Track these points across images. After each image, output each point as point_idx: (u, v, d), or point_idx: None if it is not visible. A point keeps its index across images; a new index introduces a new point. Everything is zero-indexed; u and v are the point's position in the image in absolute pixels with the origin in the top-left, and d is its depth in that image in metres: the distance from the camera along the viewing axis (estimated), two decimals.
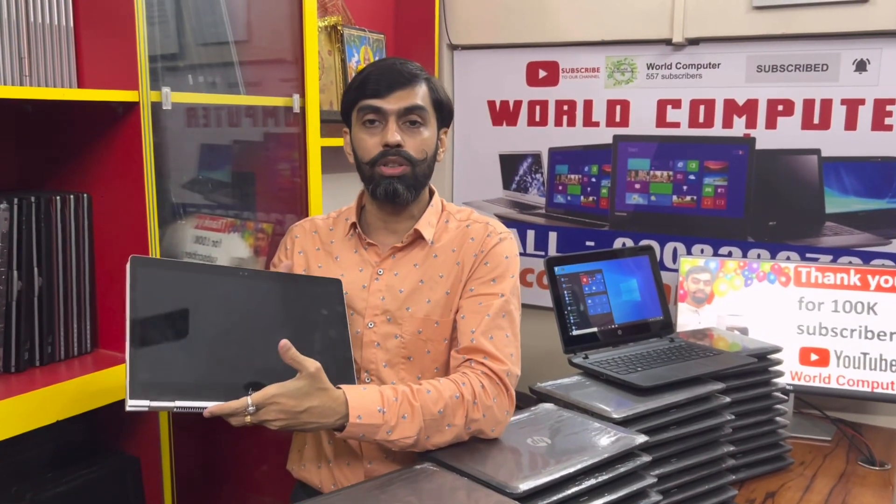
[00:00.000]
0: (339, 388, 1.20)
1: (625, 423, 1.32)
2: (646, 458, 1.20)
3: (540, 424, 1.28)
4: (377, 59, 1.45)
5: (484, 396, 1.24)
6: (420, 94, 1.37)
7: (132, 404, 1.04)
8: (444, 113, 1.42)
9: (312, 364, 1.15)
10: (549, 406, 1.37)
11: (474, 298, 1.37)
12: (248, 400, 1.11)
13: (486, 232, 1.41)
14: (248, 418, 1.12)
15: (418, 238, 1.42)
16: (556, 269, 1.67)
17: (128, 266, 1.14)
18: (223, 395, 1.11)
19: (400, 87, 1.35)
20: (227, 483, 1.92)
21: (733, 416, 1.50)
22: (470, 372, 1.28)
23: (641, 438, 1.22)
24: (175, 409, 1.08)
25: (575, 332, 1.65)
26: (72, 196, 1.50)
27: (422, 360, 1.38)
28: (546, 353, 1.87)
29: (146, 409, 1.05)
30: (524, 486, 1.04)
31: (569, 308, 1.66)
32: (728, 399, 1.50)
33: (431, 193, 1.47)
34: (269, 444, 1.78)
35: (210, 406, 1.09)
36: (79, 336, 1.54)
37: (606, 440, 1.20)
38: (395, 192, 1.35)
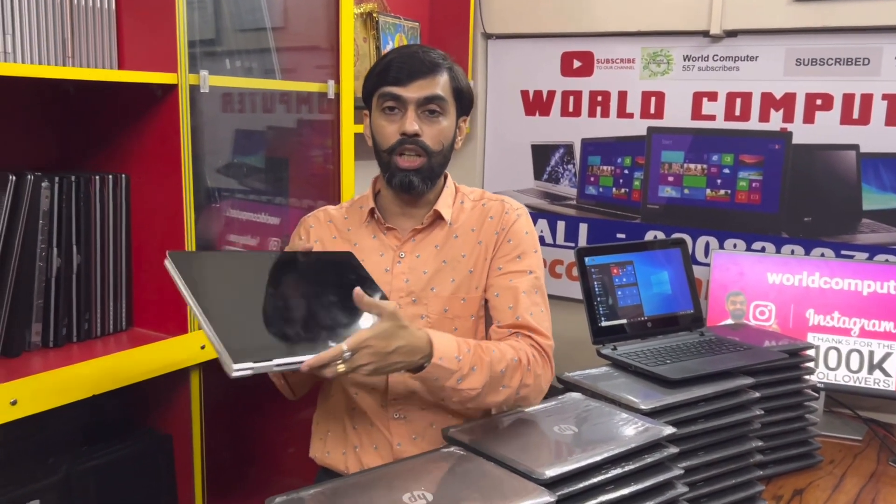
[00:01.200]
0: (422, 329, 1.22)
1: (652, 414, 1.31)
2: (673, 450, 1.20)
3: (567, 413, 1.27)
4: (404, 46, 1.45)
5: (535, 365, 1.33)
6: (441, 84, 1.37)
7: (238, 368, 1.01)
8: (464, 101, 1.43)
9: (391, 304, 1.17)
10: (576, 395, 1.37)
11: (504, 276, 1.41)
12: (344, 346, 1.09)
13: (504, 209, 1.45)
14: (342, 366, 1.10)
15: (437, 219, 1.44)
16: (586, 259, 1.66)
17: (167, 262, 1.16)
18: (311, 349, 1.09)
19: (421, 76, 1.35)
20: (255, 464, 1.95)
21: (762, 412, 1.48)
22: (522, 342, 1.35)
23: (669, 430, 1.21)
24: (275, 368, 1.07)
25: (604, 324, 1.65)
26: (110, 176, 1.53)
27: None
28: (574, 344, 1.87)
29: (250, 371, 1.03)
30: (550, 472, 1.04)
31: (598, 299, 1.66)
32: (757, 394, 1.48)
33: (445, 177, 1.48)
34: (297, 426, 1.81)
35: (306, 359, 1.07)
36: (115, 314, 1.57)
37: (634, 430, 1.20)
38: (410, 184, 1.37)
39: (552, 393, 1.42)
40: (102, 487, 1.50)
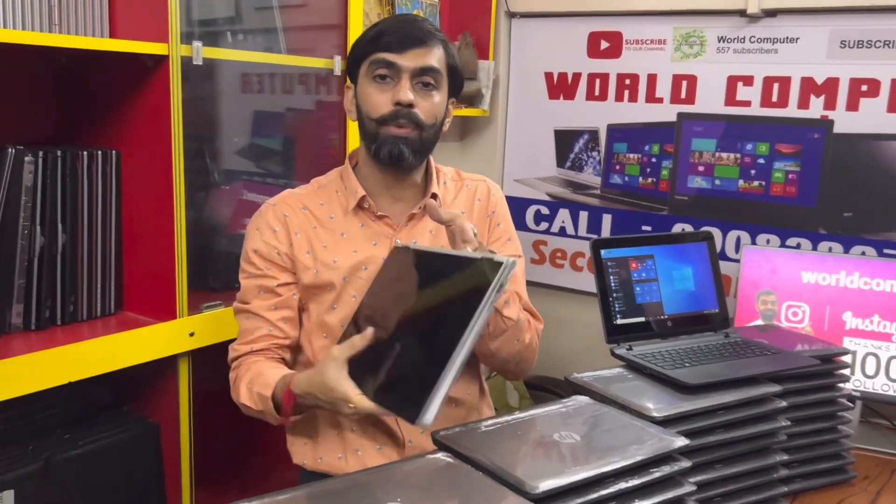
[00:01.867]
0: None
1: (666, 422, 1.20)
2: (685, 464, 1.09)
3: (571, 418, 1.17)
4: (398, 15, 1.37)
5: (536, 339, 1.40)
6: (436, 56, 1.29)
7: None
8: (456, 80, 1.34)
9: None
10: (583, 399, 1.26)
11: None
12: None
13: (489, 190, 1.45)
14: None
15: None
16: (602, 251, 1.54)
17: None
18: None
19: (417, 45, 1.26)
20: (245, 455, 1.88)
21: (789, 423, 1.36)
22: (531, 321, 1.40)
23: (681, 441, 1.10)
24: None
25: (619, 321, 1.53)
26: (99, 152, 1.46)
27: None
28: (591, 342, 1.76)
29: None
30: (543, 485, 0.94)
31: (614, 295, 1.54)
32: (784, 403, 1.36)
33: (428, 159, 1.40)
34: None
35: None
36: (103, 296, 1.50)
37: (642, 440, 1.09)
38: (399, 154, 1.27)
39: (558, 392, 1.32)
40: (85, 477, 1.44)
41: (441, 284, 1.16)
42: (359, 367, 1.14)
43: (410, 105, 1.25)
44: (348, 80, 1.36)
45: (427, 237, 1.35)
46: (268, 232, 1.33)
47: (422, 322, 1.13)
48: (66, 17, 1.37)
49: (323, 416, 1.35)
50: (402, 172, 1.32)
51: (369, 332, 1.14)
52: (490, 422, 1.17)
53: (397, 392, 1.09)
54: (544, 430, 1.13)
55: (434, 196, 1.35)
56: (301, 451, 1.36)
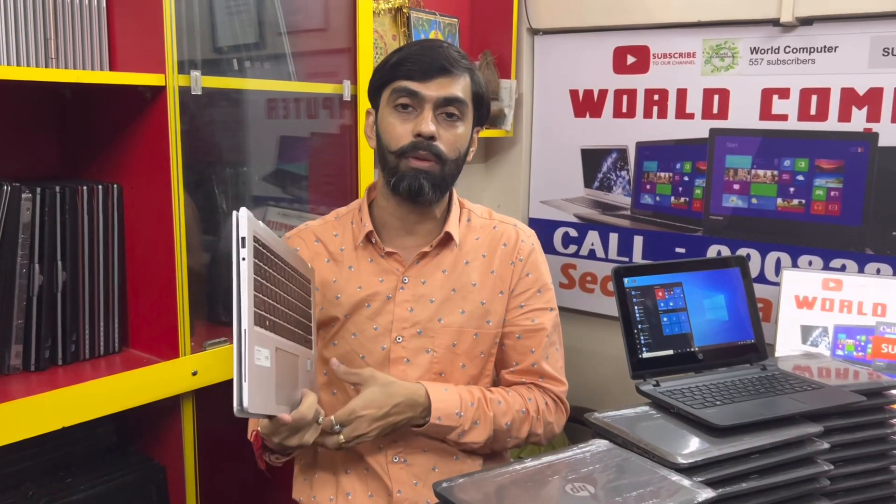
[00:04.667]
0: (420, 383, 1.22)
1: (692, 469, 1.10)
2: None
3: (585, 467, 1.08)
4: (425, 40, 1.30)
5: (547, 414, 1.31)
6: (462, 86, 1.22)
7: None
8: (482, 110, 1.28)
9: (366, 369, 1.19)
10: (602, 444, 1.16)
11: (527, 315, 1.32)
12: (332, 419, 1.13)
13: (518, 236, 1.33)
14: (341, 437, 1.14)
15: (445, 240, 1.28)
16: (625, 280, 1.45)
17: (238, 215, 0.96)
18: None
19: (442, 74, 1.20)
20: (252, 497, 1.82)
21: (832, 466, 1.24)
22: (534, 389, 1.33)
23: (707, 493, 1.00)
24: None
25: (645, 355, 1.43)
26: (100, 186, 1.42)
27: (454, 375, 1.26)
28: (619, 371, 1.66)
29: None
30: None
31: (639, 326, 1.44)
32: (827, 444, 1.24)
33: (451, 192, 1.32)
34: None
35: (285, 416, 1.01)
36: (106, 334, 1.46)
37: (662, 493, 0.99)
38: (419, 188, 1.19)
39: (579, 437, 1.24)
40: None
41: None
42: None
43: (432, 137, 1.19)
44: (370, 106, 1.31)
45: (439, 277, 1.28)
46: None
47: None
48: (63, 51, 1.34)
49: (321, 456, 1.31)
50: (421, 206, 1.26)
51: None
52: (497, 471, 1.09)
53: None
54: (556, 480, 1.04)
55: (449, 235, 1.27)
56: (300, 487, 1.34)
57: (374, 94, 1.27)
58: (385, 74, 1.24)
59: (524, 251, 1.32)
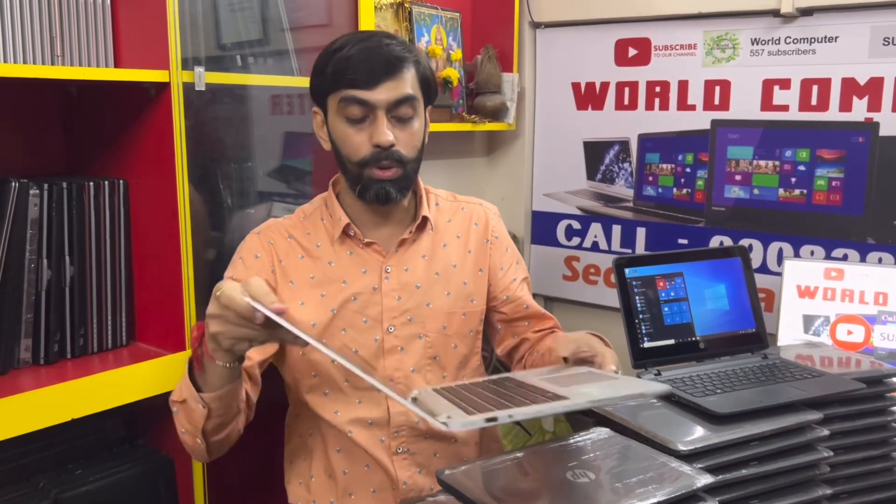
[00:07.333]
0: None
1: (693, 456, 1.11)
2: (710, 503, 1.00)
3: (587, 453, 1.09)
4: (366, 32, 1.21)
5: None
6: (410, 81, 1.18)
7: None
8: (430, 92, 1.24)
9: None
10: (603, 431, 1.18)
11: (517, 284, 1.39)
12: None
13: (487, 214, 1.38)
14: None
15: (422, 225, 1.29)
16: (626, 271, 1.46)
17: None
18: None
19: (389, 76, 1.15)
20: (261, 491, 1.83)
21: (831, 453, 1.25)
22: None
23: (706, 479, 1.01)
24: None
25: (647, 345, 1.45)
26: (106, 182, 1.44)
27: (448, 356, 1.28)
28: (625, 362, 1.67)
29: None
30: None
31: (641, 317, 1.45)
32: (827, 431, 1.25)
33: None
34: None
35: None
36: (113, 328, 1.48)
37: (663, 479, 1.00)
38: (387, 195, 1.19)
39: (581, 425, 1.25)
40: None
41: None
42: None
43: (392, 145, 1.17)
44: (315, 107, 1.26)
45: (420, 262, 1.28)
46: (250, 259, 1.28)
47: None
48: (70, 49, 1.36)
49: (315, 457, 1.30)
50: (389, 207, 1.26)
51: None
52: (500, 458, 1.10)
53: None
54: (557, 467, 1.06)
55: (425, 220, 1.29)
56: (296, 492, 1.32)
57: (318, 97, 1.23)
58: (328, 81, 1.18)
59: (497, 229, 1.37)
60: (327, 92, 1.19)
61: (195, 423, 1.08)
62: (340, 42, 1.18)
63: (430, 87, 1.24)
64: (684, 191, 2.17)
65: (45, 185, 1.35)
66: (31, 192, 1.33)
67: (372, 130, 1.16)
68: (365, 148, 1.17)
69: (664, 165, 2.20)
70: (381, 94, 1.15)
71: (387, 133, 1.15)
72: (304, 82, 1.72)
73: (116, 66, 1.42)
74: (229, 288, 0.89)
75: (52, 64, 1.34)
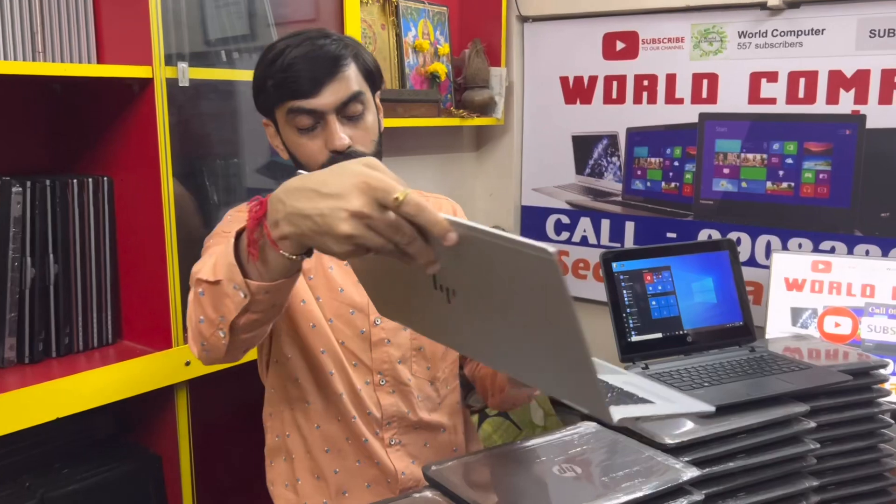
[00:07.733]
0: None
1: (679, 450, 1.11)
2: (696, 497, 1.00)
3: (574, 448, 1.09)
4: (298, 34, 1.16)
5: None
6: (354, 77, 1.14)
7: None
8: (376, 80, 1.20)
9: None
10: (590, 426, 1.18)
11: None
12: None
13: (454, 207, 1.39)
14: None
15: None
16: (613, 265, 1.46)
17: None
18: None
19: (331, 78, 1.11)
20: (250, 486, 1.83)
21: (818, 445, 1.26)
22: None
23: (692, 472, 1.01)
24: None
25: (634, 339, 1.45)
26: (90, 179, 1.43)
27: (431, 347, 1.27)
28: (615, 357, 1.67)
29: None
30: None
31: (628, 310, 1.45)
32: (813, 423, 1.26)
33: None
34: None
35: None
36: (99, 326, 1.47)
37: (650, 472, 1.00)
38: None
39: (570, 420, 1.25)
40: None
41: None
42: None
43: (348, 146, 1.13)
44: (265, 119, 1.21)
45: None
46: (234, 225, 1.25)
47: None
48: (51, 45, 1.35)
49: (297, 459, 1.27)
50: None
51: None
52: (486, 453, 1.10)
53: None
54: (544, 462, 1.05)
55: None
56: (283, 494, 1.29)
57: (265, 111, 1.19)
58: (272, 97, 1.15)
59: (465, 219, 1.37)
60: (273, 106, 1.16)
61: (224, 311, 0.91)
62: (274, 52, 1.13)
63: (375, 75, 1.20)
64: (672, 184, 2.17)
65: (29, 183, 1.34)
66: (14, 189, 1.32)
67: (325, 136, 1.13)
68: (322, 154, 1.14)
69: (652, 159, 2.20)
70: (327, 97, 1.12)
71: (341, 137, 1.12)
72: None
73: (99, 62, 1.41)
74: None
75: (34, 60, 1.32)
